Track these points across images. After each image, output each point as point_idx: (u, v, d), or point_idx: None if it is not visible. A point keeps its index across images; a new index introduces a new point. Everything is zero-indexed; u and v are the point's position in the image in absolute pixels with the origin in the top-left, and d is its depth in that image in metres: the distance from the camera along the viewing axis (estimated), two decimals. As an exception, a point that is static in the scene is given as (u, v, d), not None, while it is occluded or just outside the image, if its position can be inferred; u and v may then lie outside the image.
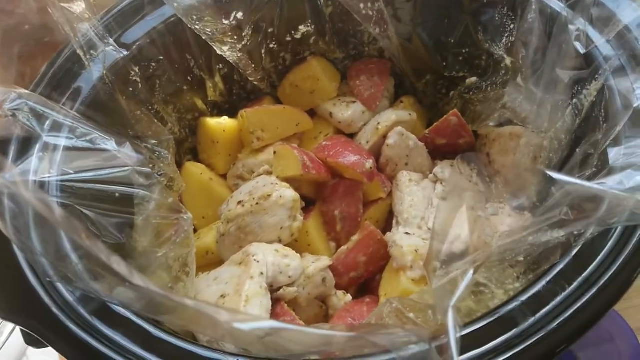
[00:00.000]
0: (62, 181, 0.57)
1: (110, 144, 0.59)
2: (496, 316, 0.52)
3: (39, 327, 0.55)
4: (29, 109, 0.56)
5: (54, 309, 0.55)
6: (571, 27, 0.67)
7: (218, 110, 0.93)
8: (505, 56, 0.77)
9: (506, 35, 0.75)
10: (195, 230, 0.85)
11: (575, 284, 0.53)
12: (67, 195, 0.56)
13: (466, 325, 0.51)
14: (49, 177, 0.57)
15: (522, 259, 0.56)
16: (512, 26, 0.74)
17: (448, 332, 0.38)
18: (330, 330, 0.39)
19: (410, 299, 0.60)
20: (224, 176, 0.91)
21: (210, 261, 0.81)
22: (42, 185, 0.55)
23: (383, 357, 0.47)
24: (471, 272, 0.44)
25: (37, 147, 0.59)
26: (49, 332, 0.55)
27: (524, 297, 0.53)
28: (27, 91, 0.58)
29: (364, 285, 0.84)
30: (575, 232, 0.50)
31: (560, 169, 0.68)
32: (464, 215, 0.51)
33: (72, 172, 0.57)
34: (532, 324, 0.51)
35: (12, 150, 0.60)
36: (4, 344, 0.91)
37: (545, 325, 0.51)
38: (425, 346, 0.39)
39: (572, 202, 0.54)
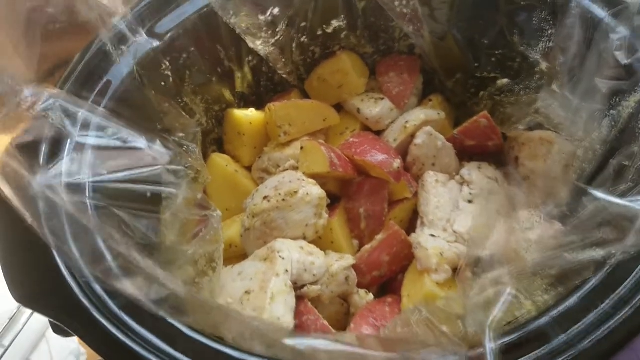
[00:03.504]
0: (95, 182, 0.57)
1: (141, 142, 0.59)
2: (525, 331, 0.51)
3: (68, 319, 0.56)
4: (61, 108, 0.56)
5: (85, 301, 0.56)
6: (613, 35, 0.66)
7: (245, 101, 0.93)
8: (541, 61, 0.75)
9: (544, 39, 0.74)
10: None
11: (608, 301, 0.52)
12: (101, 197, 0.56)
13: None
14: (82, 178, 0.57)
15: (553, 272, 0.56)
16: (550, 31, 0.73)
17: (486, 354, 0.37)
18: (366, 348, 0.38)
19: (438, 307, 0.60)
20: (249, 168, 0.91)
21: (234, 254, 0.81)
22: (76, 187, 0.55)
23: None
24: (508, 290, 0.43)
25: (69, 147, 0.59)
26: (78, 325, 0.55)
27: (555, 312, 0.53)
28: (58, 90, 0.58)
29: (385, 284, 0.84)
30: (614, 252, 0.49)
31: (592, 179, 0.67)
32: (501, 226, 0.50)
33: (105, 172, 0.56)
34: (563, 341, 0.50)
35: (44, 151, 0.59)
36: (23, 326, 0.92)
37: (577, 344, 0.50)
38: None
39: (607, 217, 0.54)
